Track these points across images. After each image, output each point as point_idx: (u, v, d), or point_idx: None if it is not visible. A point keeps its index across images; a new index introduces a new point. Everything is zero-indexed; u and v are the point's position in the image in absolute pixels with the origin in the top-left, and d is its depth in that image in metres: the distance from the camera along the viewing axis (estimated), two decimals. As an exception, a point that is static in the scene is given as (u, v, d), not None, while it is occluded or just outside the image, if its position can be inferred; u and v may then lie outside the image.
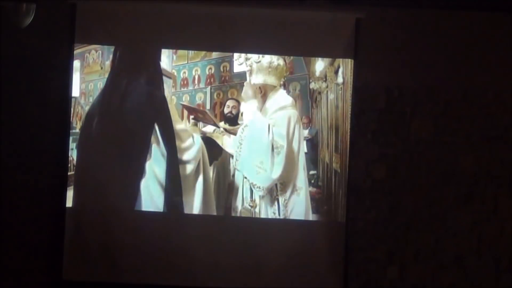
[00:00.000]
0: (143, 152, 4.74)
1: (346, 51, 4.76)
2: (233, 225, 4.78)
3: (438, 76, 4.93)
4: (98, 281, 4.75)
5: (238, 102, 4.86)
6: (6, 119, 4.86)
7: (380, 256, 4.93)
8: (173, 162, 4.74)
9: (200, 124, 4.88)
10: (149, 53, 4.86)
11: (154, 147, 4.74)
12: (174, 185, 4.74)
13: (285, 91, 4.81)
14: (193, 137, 4.79)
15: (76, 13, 4.74)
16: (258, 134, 4.77)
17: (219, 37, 4.78)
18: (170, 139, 4.75)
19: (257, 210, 4.76)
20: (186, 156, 4.76)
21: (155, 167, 4.74)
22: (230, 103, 4.88)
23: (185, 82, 4.92)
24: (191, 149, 4.78)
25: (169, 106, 4.80)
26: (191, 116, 4.88)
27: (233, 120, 4.87)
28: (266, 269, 4.75)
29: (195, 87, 4.92)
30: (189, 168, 4.77)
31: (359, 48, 4.77)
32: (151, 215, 4.75)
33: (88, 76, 4.85)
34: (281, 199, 4.75)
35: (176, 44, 4.87)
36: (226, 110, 4.88)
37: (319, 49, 4.79)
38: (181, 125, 4.82)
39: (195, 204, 4.76)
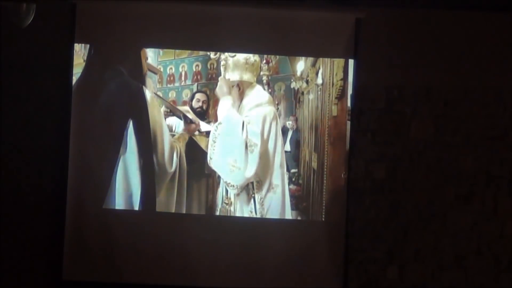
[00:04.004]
0: (116, 146, 4.65)
1: (346, 51, 4.76)
2: (232, 224, 4.77)
3: (438, 76, 4.93)
4: (98, 281, 4.75)
5: (207, 96, 4.81)
6: (6, 119, 4.86)
7: (380, 256, 4.92)
8: (146, 160, 4.65)
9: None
10: (133, 51, 4.78)
11: (128, 140, 4.66)
12: (148, 182, 4.68)
13: (261, 87, 4.75)
14: (176, 148, 4.71)
15: (76, 13, 4.74)
16: (232, 131, 4.70)
17: (219, 37, 4.76)
18: (144, 135, 4.64)
19: (232, 208, 4.72)
20: (162, 158, 4.68)
21: (128, 161, 4.67)
22: (200, 96, 4.81)
23: (172, 78, 4.87)
24: (170, 154, 4.70)
25: (153, 103, 4.69)
26: (164, 107, 4.79)
27: (203, 115, 4.82)
28: (265, 269, 4.75)
29: (182, 84, 4.87)
30: (165, 168, 4.70)
31: (359, 48, 4.77)
32: (151, 215, 4.75)
33: None
34: (257, 197, 4.71)
35: (177, 44, 4.86)
36: (195, 104, 4.82)
37: (319, 49, 4.79)
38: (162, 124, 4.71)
39: (168, 203, 4.73)
